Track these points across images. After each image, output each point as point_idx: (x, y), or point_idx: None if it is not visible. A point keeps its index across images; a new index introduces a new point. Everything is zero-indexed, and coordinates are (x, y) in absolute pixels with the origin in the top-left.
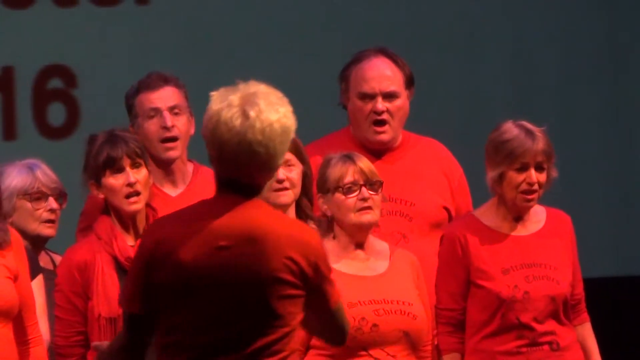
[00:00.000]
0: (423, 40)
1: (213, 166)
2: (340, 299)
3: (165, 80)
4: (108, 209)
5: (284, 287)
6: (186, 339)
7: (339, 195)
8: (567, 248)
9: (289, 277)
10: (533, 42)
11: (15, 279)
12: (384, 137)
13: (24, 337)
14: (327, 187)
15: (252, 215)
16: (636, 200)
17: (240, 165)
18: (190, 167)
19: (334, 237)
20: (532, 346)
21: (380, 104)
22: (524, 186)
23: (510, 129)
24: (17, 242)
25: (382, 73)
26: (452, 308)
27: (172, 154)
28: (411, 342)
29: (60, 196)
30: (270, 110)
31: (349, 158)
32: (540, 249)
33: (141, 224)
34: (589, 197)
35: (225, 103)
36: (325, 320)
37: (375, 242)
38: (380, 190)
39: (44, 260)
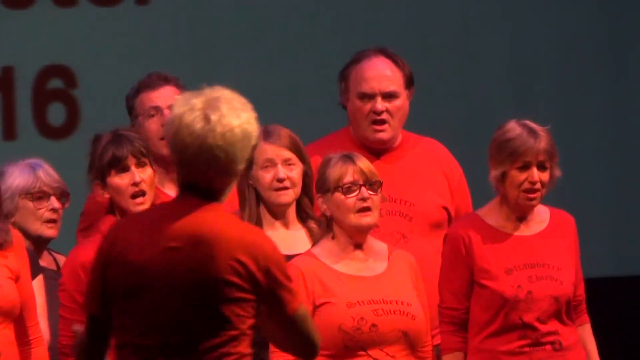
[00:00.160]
0: (423, 40)
1: (175, 169)
2: (303, 309)
3: (165, 80)
4: (113, 208)
5: (231, 289)
6: (135, 340)
7: (338, 195)
8: (570, 249)
9: (236, 280)
10: (533, 42)
11: (16, 279)
12: (384, 135)
13: (25, 337)
14: (326, 187)
15: (206, 218)
16: (636, 200)
17: (200, 169)
18: None
19: (333, 237)
20: (535, 346)
21: (380, 104)
22: (526, 185)
23: (513, 128)
24: (19, 242)
25: (381, 73)
26: (455, 307)
27: None
28: (410, 342)
29: (63, 196)
30: (232, 115)
31: (348, 158)
32: (543, 249)
33: None
34: (589, 197)
35: (187, 107)
36: (288, 330)
37: (374, 243)
38: (379, 191)
39: (47, 260)
